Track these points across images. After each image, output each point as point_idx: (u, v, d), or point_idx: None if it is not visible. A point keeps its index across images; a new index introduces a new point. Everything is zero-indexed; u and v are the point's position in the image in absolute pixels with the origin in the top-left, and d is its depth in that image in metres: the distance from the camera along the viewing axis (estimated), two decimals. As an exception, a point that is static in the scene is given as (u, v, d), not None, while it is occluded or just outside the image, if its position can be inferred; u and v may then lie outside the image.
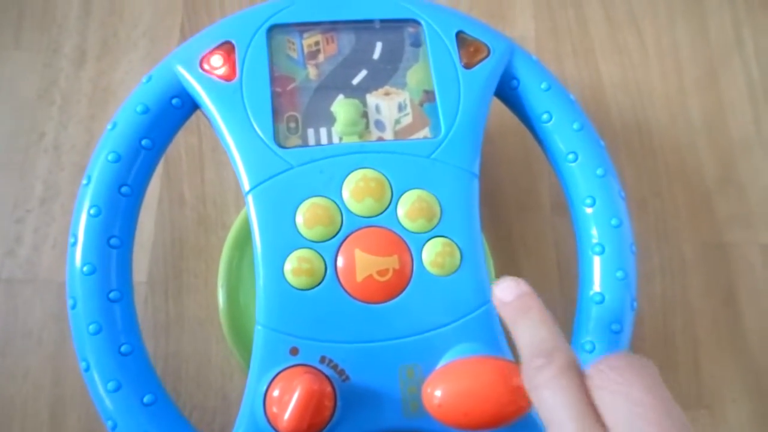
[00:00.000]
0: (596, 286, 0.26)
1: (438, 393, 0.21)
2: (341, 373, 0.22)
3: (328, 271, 0.23)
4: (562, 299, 0.33)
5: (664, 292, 0.33)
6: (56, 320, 0.30)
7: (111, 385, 0.23)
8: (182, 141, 0.34)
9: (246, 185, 0.24)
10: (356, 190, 0.24)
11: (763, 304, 0.33)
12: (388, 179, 0.24)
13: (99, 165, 0.25)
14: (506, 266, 0.33)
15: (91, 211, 0.24)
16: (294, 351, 0.23)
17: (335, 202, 0.24)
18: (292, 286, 0.23)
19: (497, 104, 0.29)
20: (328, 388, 0.22)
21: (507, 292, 0.20)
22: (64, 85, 0.35)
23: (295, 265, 0.23)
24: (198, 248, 0.32)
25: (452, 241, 0.24)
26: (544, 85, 0.27)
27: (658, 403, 0.16)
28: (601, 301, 0.26)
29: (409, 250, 0.24)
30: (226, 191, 0.33)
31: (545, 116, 0.27)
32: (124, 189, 0.25)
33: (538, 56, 0.39)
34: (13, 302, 0.30)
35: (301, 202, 0.24)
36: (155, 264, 0.31)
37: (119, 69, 0.35)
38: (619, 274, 0.26)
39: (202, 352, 0.30)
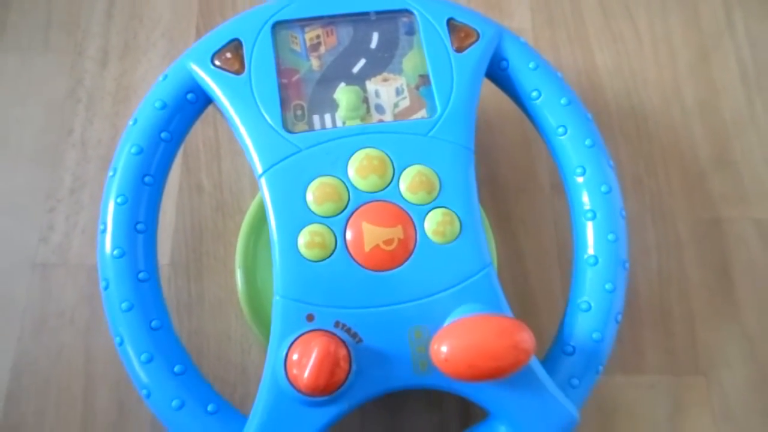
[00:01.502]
0: (590, 249, 0.28)
1: (444, 348, 0.23)
2: (354, 336, 0.24)
3: (338, 243, 0.25)
4: (561, 275, 0.34)
5: (660, 267, 0.35)
6: (87, 301, 0.32)
7: (144, 357, 0.25)
8: (200, 133, 0.36)
9: (259, 169, 0.26)
10: (361, 168, 0.26)
11: (756, 276, 0.35)
12: (389, 156, 0.26)
13: (123, 157, 0.27)
14: (507, 245, 0.35)
15: (118, 200, 0.27)
16: (310, 317, 0.24)
17: (342, 180, 0.26)
18: (306, 259, 0.25)
19: (494, 91, 0.30)
20: (343, 350, 0.23)
21: None
22: (90, 84, 0.37)
23: (308, 239, 0.25)
24: (216, 232, 0.34)
25: (452, 210, 0.26)
26: (531, 65, 0.29)
27: None
28: (595, 263, 0.27)
29: (412, 220, 0.26)
30: (241, 178, 0.35)
31: (534, 93, 0.29)
32: (147, 179, 0.27)
33: (536, 46, 0.41)
34: (47, 285, 0.33)
35: (310, 182, 0.26)
36: (177, 248, 0.34)
37: (140, 68, 0.38)
38: (611, 236, 0.28)
39: (222, 329, 0.32)
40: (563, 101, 0.29)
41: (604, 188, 0.28)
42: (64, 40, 0.38)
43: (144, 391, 0.25)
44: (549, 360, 0.27)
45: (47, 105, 0.37)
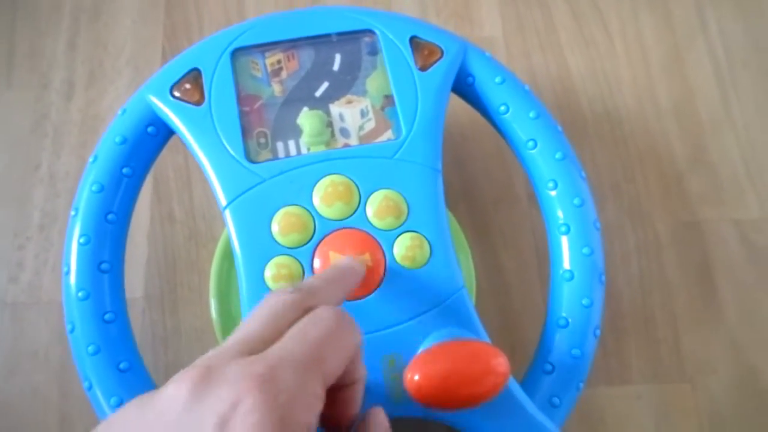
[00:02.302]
0: (565, 264, 0.27)
1: (417, 377, 0.23)
2: (327, 368, 0.24)
3: (305, 274, 0.25)
4: (541, 285, 0.34)
5: (641, 272, 0.34)
6: (60, 339, 0.32)
7: (113, 401, 0.24)
8: (169, 161, 0.36)
9: (223, 201, 0.26)
10: (326, 196, 0.25)
11: (737, 277, 0.34)
12: (355, 182, 0.26)
13: (85, 196, 0.27)
14: (486, 257, 0.34)
15: (81, 240, 0.26)
16: (281, 352, 0.24)
17: (307, 209, 0.25)
18: (274, 292, 0.24)
19: (469, 106, 0.30)
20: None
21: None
22: (55, 117, 0.37)
23: (275, 272, 0.24)
24: (190, 262, 0.34)
25: (421, 234, 0.25)
26: (498, 79, 0.29)
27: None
28: (571, 278, 0.27)
29: (381, 247, 0.25)
30: (213, 206, 0.35)
31: (502, 108, 0.29)
32: (110, 216, 0.27)
33: (507, 54, 0.40)
34: (19, 325, 0.32)
35: (275, 212, 0.25)
36: (150, 279, 0.33)
37: (106, 97, 0.37)
38: (585, 250, 0.27)
39: (200, 361, 0.32)
40: (532, 114, 0.28)
41: (576, 201, 0.28)
42: (27, 74, 0.38)
43: (115, 436, 0.24)
44: (529, 379, 0.27)
45: (12, 141, 0.36)
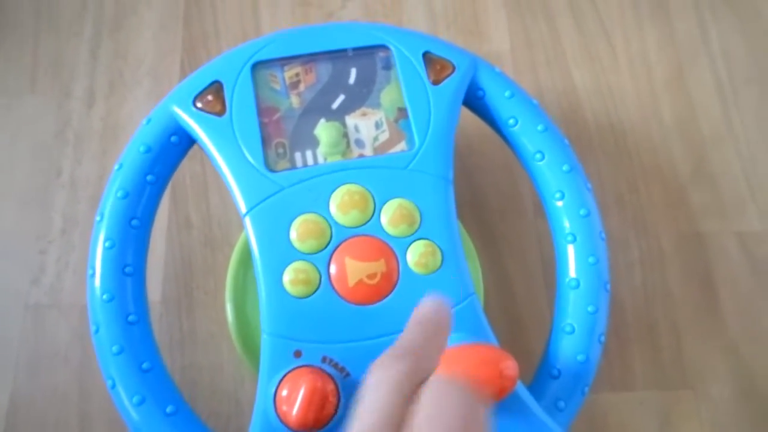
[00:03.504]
0: (571, 272, 0.28)
1: (430, 380, 0.24)
2: (342, 370, 0.25)
3: (322, 279, 0.26)
4: (546, 293, 0.35)
5: (644, 282, 0.35)
6: (80, 340, 0.33)
7: (136, 399, 0.25)
8: (187, 169, 0.37)
9: (243, 208, 0.27)
10: (342, 204, 0.26)
11: (739, 288, 0.35)
12: (370, 191, 0.27)
13: (110, 202, 0.28)
14: (492, 267, 0.35)
15: (106, 244, 0.27)
16: (298, 354, 0.25)
17: (324, 217, 0.26)
18: (292, 295, 0.25)
19: (478, 119, 0.31)
20: (331, 385, 0.24)
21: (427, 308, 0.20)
22: (77, 125, 0.38)
23: (293, 277, 0.25)
24: (206, 267, 0.35)
25: (433, 242, 0.26)
26: (507, 93, 0.30)
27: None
28: (577, 286, 0.28)
29: (395, 253, 0.26)
30: (229, 213, 0.36)
31: (511, 121, 0.30)
32: (134, 222, 0.28)
33: (514, 69, 0.42)
34: (41, 326, 0.33)
35: (293, 219, 0.26)
36: (168, 284, 0.34)
37: (126, 106, 0.39)
38: (591, 259, 0.28)
39: (215, 362, 0.33)
40: (540, 128, 0.30)
41: (582, 212, 0.29)
42: (50, 82, 0.39)
43: (137, 433, 0.25)
44: (535, 384, 0.27)
45: (35, 147, 0.37)
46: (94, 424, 0.31)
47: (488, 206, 0.37)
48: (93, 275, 0.27)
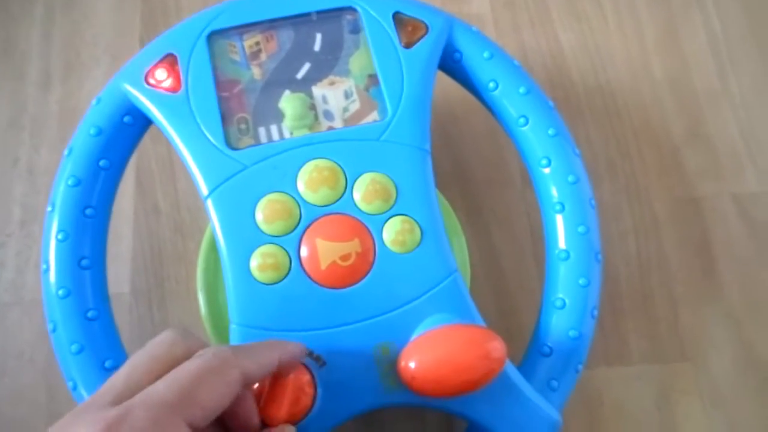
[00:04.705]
0: (561, 243, 0.27)
1: (412, 365, 0.22)
2: (317, 359, 0.23)
3: (292, 263, 0.24)
4: (536, 267, 0.33)
5: (639, 251, 0.34)
6: (46, 338, 0.30)
7: (99, 400, 0.24)
8: (152, 152, 0.35)
9: (204, 190, 0.25)
10: (310, 181, 0.24)
11: (737, 253, 0.33)
12: (340, 166, 0.25)
13: (61, 191, 0.26)
14: (479, 242, 0.34)
15: (59, 236, 0.25)
16: (269, 344, 0.23)
17: (292, 196, 0.24)
18: (260, 282, 0.24)
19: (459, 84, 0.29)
20: (306, 376, 0.22)
21: None
22: (33, 110, 0.36)
23: (260, 262, 0.24)
24: (177, 255, 0.33)
25: (411, 217, 0.24)
26: (486, 54, 0.28)
27: None
28: (567, 258, 0.26)
29: (370, 232, 0.24)
30: (198, 197, 0.33)
31: (491, 84, 0.28)
32: (88, 211, 0.26)
33: (496, 30, 0.39)
34: (3, 325, 0.32)
35: (258, 200, 0.24)
36: (137, 274, 0.32)
37: (85, 88, 0.36)
38: (581, 228, 0.26)
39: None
40: (522, 90, 0.27)
41: (571, 178, 0.27)
42: (1, 67, 0.36)
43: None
44: (526, 363, 0.26)
45: (-12, 136, 0.35)
46: (65, 425, 0.30)
47: (473, 177, 0.35)
48: (47, 270, 0.25)
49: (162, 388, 0.17)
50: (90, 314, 0.25)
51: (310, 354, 0.23)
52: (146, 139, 0.34)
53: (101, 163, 0.26)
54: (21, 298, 0.32)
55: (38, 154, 0.35)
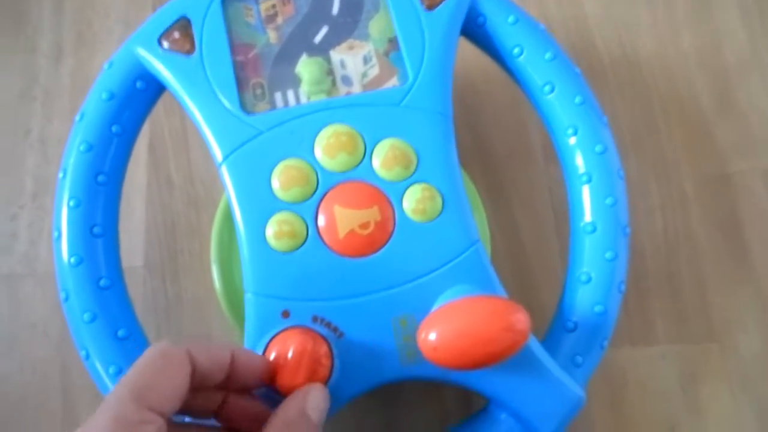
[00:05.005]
0: (587, 216, 0.26)
1: (432, 336, 0.21)
2: (335, 330, 0.22)
3: (309, 231, 0.23)
4: (558, 244, 0.32)
5: (666, 228, 0.32)
6: (59, 311, 0.30)
7: (112, 369, 0.23)
8: (165, 124, 0.34)
9: (219, 156, 0.24)
10: (328, 147, 0.23)
11: (768, 231, 0.32)
12: (359, 132, 0.24)
13: (73, 157, 0.25)
14: (500, 217, 0.33)
15: (71, 203, 0.24)
16: (286, 314, 0.22)
17: (309, 162, 0.24)
18: (276, 250, 0.23)
19: (479, 53, 0.28)
20: (323, 346, 0.22)
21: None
22: (45, 81, 0.35)
23: (276, 229, 0.23)
24: (190, 228, 0.32)
25: (432, 185, 0.23)
26: (511, 19, 0.27)
27: None
28: (593, 230, 0.25)
29: (389, 200, 0.23)
30: (213, 170, 0.32)
31: (516, 50, 0.27)
32: (100, 177, 0.25)
33: (519, 0, 0.38)
34: (15, 297, 0.31)
35: (274, 166, 0.23)
36: (150, 247, 0.32)
37: (97, 59, 0.36)
38: (609, 200, 0.25)
39: (203, 328, 0.30)
40: (548, 56, 0.26)
41: (598, 148, 0.26)
42: (12, 39, 0.36)
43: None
44: (550, 338, 0.25)
45: (0, 107, 0.34)
46: (79, 398, 0.30)
47: (494, 151, 0.34)
48: (59, 237, 0.24)
49: (115, 387, 0.18)
50: (102, 283, 0.24)
51: (328, 324, 0.22)
52: (160, 111, 0.34)
53: (113, 128, 0.25)
54: (34, 270, 0.31)
55: (51, 124, 0.34)
